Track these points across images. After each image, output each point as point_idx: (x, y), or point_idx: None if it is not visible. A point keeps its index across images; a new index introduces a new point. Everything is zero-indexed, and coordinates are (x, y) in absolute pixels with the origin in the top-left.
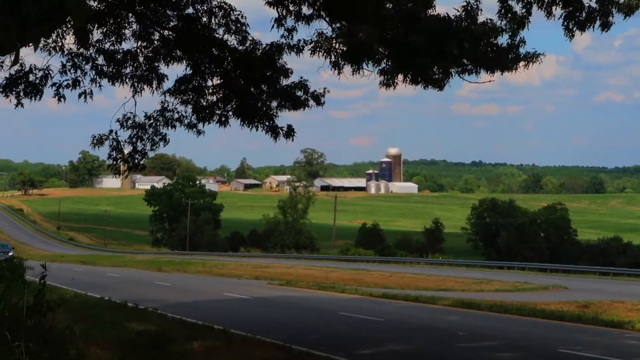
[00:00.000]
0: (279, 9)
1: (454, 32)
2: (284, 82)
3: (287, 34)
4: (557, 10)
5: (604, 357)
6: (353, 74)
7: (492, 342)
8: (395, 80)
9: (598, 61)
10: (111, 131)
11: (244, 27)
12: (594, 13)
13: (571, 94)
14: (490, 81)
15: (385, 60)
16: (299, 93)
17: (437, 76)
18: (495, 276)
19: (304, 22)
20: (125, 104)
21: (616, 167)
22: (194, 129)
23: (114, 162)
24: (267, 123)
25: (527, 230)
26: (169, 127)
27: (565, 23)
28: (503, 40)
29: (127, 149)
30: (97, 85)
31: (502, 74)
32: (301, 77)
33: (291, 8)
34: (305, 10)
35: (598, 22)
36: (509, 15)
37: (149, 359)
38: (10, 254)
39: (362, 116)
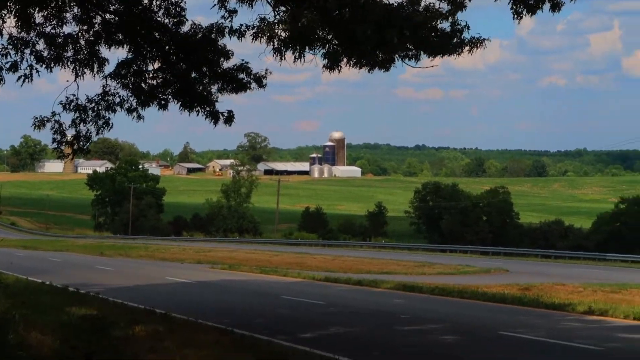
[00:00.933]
0: None
1: (394, 21)
2: (225, 64)
3: (228, 15)
4: None
5: (545, 339)
6: (295, 61)
7: (435, 325)
8: (340, 64)
9: (542, 46)
10: (54, 113)
11: (183, 12)
12: None
13: (515, 78)
14: (433, 66)
15: (329, 45)
16: (241, 76)
17: (381, 59)
18: (437, 259)
19: (246, 4)
20: (68, 88)
21: (558, 151)
22: (134, 114)
23: (58, 146)
24: (207, 108)
25: (469, 213)
26: (110, 112)
27: (515, 7)
28: (447, 25)
29: (70, 133)
30: (36, 70)
31: (442, 57)
32: (242, 60)
33: None
34: None
35: (548, 4)
36: None
37: (90, 343)
38: None
39: (306, 100)
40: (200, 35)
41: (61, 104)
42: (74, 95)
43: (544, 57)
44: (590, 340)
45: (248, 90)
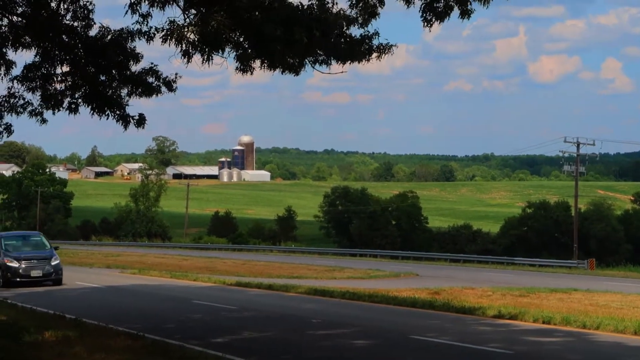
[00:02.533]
0: None
1: (303, 21)
2: (135, 67)
3: (142, 19)
4: (416, 2)
5: (456, 343)
6: (203, 63)
7: (346, 330)
8: (252, 66)
9: (448, 50)
10: None
11: (90, 14)
12: (451, 2)
13: (421, 82)
14: (342, 72)
15: (241, 48)
16: (151, 79)
17: (291, 63)
18: (347, 264)
19: (158, 7)
20: None
21: (466, 156)
22: (39, 117)
23: None
24: (117, 112)
25: (379, 218)
26: (14, 114)
27: (424, 15)
28: (357, 32)
29: None
30: None
31: (351, 63)
32: (152, 63)
33: None
34: None
35: (457, 11)
36: (361, 4)
37: None
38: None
39: (214, 104)
40: (109, 38)
41: None
42: None
43: (449, 61)
44: (501, 344)
45: (158, 94)
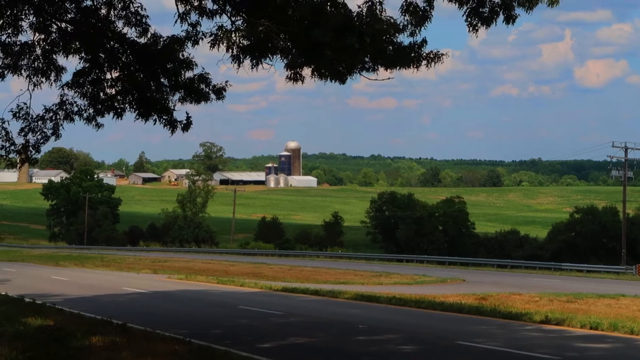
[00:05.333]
0: (181, 5)
1: (355, 27)
2: (186, 74)
3: (191, 29)
4: (462, 7)
5: (503, 349)
6: (252, 68)
7: (392, 335)
8: (302, 75)
9: (493, 56)
10: (2, 120)
11: (144, 19)
12: (497, 7)
13: (467, 88)
14: (390, 78)
15: (291, 55)
16: (201, 86)
17: (340, 70)
18: (394, 269)
19: (207, 16)
20: (20, 96)
21: (513, 161)
22: (93, 122)
23: (6, 154)
24: (164, 116)
25: (425, 223)
26: (69, 121)
27: (469, 19)
28: (406, 39)
29: (19, 141)
30: None
31: (399, 70)
32: (203, 70)
33: (195, 3)
34: (210, 5)
35: (502, 17)
36: (411, 9)
37: (47, 354)
38: None
39: (261, 109)
40: (160, 46)
41: (12, 112)
42: (25, 103)
43: (495, 66)
44: (549, 350)
45: (207, 101)
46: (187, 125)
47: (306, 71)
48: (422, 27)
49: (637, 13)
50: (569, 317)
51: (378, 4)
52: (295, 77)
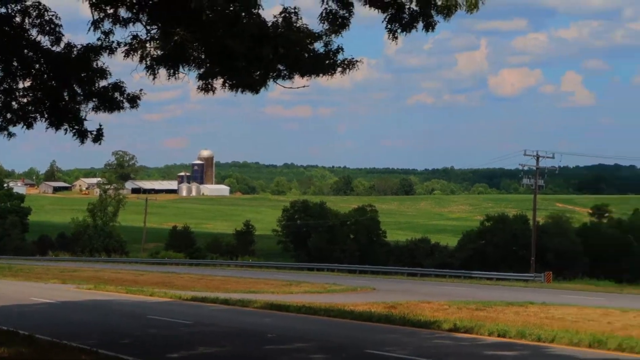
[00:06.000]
0: (96, 12)
1: (270, 37)
2: (101, 83)
3: (104, 37)
4: (384, 13)
5: (412, 357)
6: (169, 79)
7: (302, 344)
8: (214, 86)
9: (409, 64)
10: None
11: (57, 28)
12: (416, 14)
13: (383, 96)
14: (305, 86)
15: (204, 65)
16: (115, 95)
17: (254, 79)
18: (305, 278)
19: (121, 25)
20: None
21: (426, 169)
22: (5, 132)
23: None
24: (75, 126)
25: (337, 232)
26: None
27: (390, 26)
28: (321, 46)
29: None
30: None
31: (315, 78)
32: (117, 79)
33: (109, 11)
34: (123, 13)
35: (422, 24)
36: (330, 17)
37: None
38: None
39: (176, 118)
40: (75, 54)
41: None
42: None
43: (411, 75)
44: (458, 358)
45: (120, 110)
46: (98, 136)
47: (218, 81)
48: (340, 35)
49: (553, 22)
50: (477, 324)
51: (293, 14)
52: (207, 88)
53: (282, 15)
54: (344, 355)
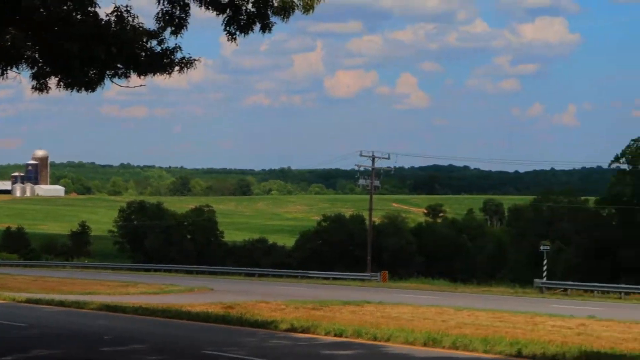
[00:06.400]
0: None
1: (104, 36)
2: None
3: None
4: (220, 15)
5: (250, 358)
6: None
7: (139, 345)
8: (48, 84)
9: (246, 65)
10: None
11: None
12: (253, 16)
13: (220, 97)
14: (141, 85)
15: (38, 64)
16: None
17: (90, 78)
18: (142, 279)
19: None
20: None
21: (263, 170)
22: None
23: None
24: None
25: (174, 232)
26: None
27: (228, 28)
28: (158, 45)
29: None
30: None
31: (152, 76)
32: None
33: None
34: None
35: (259, 25)
36: (167, 17)
37: None
38: None
39: (8, 118)
40: None
41: None
42: None
43: (248, 76)
44: (296, 358)
45: None
46: None
47: (53, 80)
48: (180, 35)
49: (387, 24)
50: (314, 324)
51: (126, 12)
52: (41, 87)
53: (114, 13)
54: (181, 357)
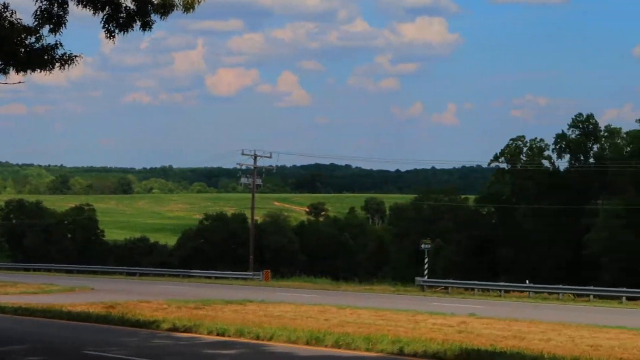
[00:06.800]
0: None
1: None
2: None
3: None
4: (97, 14)
5: (132, 358)
6: None
7: (17, 346)
8: None
9: (126, 63)
10: None
11: None
12: (133, 14)
13: (99, 95)
14: (20, 82)
15: None
16: None
17: None
18: (21, 278)
19: None
20: None
21: (144, 168)
22: None
23: None
24: None
25: (54, 231)
26: None
27: (107, 26)
28: (36, 42)
29: None
30: None
31: (32, 73)
32: None
33: None
34: None
35: (139, 23)
36: (46, 15)
37: None
38: None
39: None
40: None
41: None
42: None
43: (128, 74)
44: (178, 357)
45: None
46: None
47: None
48: (59, 33)
49: (268, 23)
50: (196, 324)
51: (3, 8)
52: None
53: None
54: (61, 357)
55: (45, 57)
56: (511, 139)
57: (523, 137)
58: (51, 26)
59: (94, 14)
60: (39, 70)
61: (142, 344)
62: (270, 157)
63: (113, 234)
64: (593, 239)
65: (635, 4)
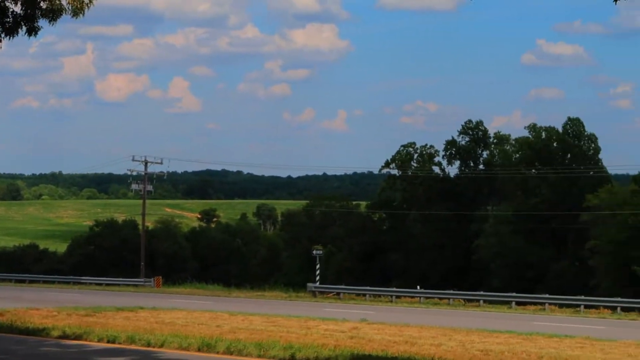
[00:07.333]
0: None
1: None
2: None
3: None
4: None
5: None
6: None
7: None
8: None
9: (13, 67)
10: None
11: None
12: (19, 19)
13: None
14: None
15: None
16: None
17: None
18: None
19: None
20: None
21: (33, 174)
22: None
23: None
24: None
25: None
26: None
27: None
28: None
29: None
30: None
31: None
32: None
33: None
34: None
35: (25, 28)
36: None
37: None
38: None
39: None
40: None
41: None
42: None
43: (16, 78)
44: None
45: None
46: None
47: None
48: None
49: (159, 28)
50: (87, 331)
51: None
52: None
53: None
54: None
55: None
56: (402, 145)
57: (414, 143)
58: None
59: None
60: None
61: (30, 352)
62: (161, 163)
63: (1, 241)
64: (482, 245)
65: (523, 14)
